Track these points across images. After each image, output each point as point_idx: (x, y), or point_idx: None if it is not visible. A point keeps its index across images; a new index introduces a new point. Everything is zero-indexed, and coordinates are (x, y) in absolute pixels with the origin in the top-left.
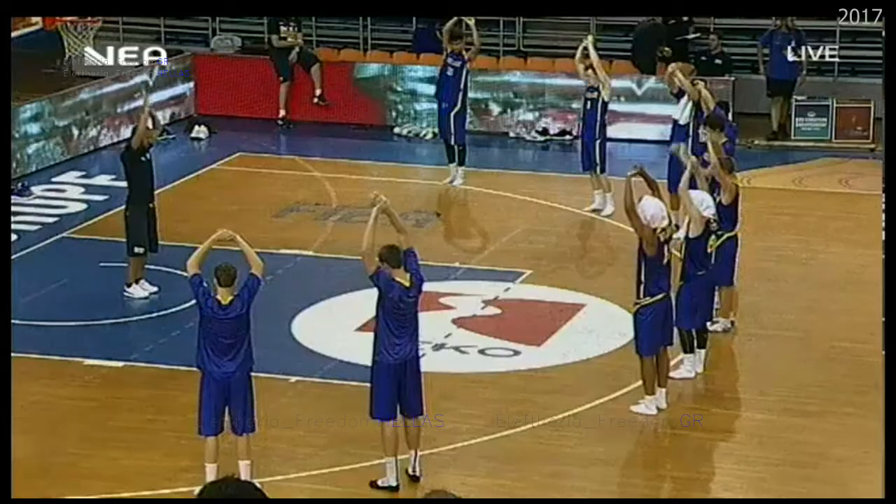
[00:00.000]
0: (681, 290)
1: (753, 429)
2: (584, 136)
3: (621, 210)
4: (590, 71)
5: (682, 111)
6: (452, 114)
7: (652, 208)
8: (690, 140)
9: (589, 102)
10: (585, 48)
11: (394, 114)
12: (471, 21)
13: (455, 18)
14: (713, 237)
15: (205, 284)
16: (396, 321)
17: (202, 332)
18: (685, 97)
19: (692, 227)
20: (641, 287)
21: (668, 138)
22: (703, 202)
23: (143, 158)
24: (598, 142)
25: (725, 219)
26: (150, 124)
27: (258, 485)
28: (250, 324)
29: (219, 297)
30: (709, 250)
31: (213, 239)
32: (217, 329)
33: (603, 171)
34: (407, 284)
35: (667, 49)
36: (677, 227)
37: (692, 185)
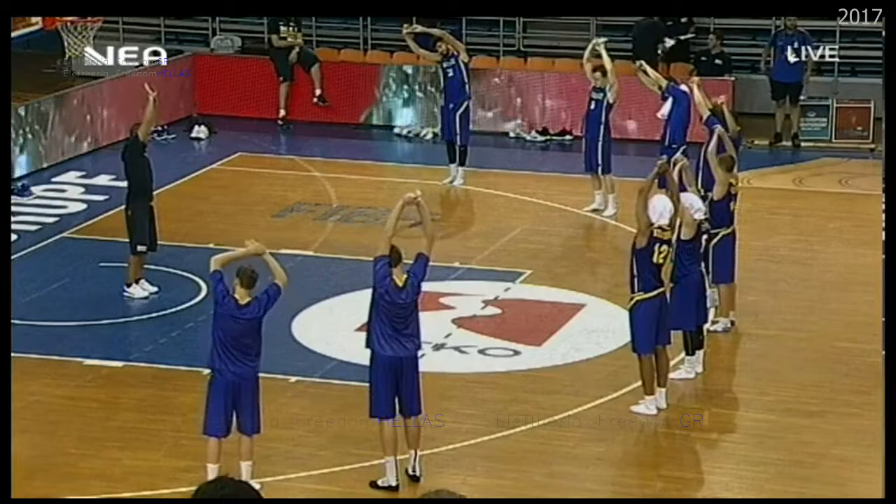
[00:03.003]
0: (673, 292)
1: (753, 429)
2: (587, 136)
3: (622, 210)
4: (597, 73)
5: (667, 108)
6: (458, 114)
7: (658, 204)
8: (668, 132)
9: (594, 103)
10: (595, 49)
11: (393, 114)
12: (433, 31)
13: (410, 39)
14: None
15: (224, 282)
16: (388, 316)
17: (215, 331)
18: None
19: (684, 231)
20: (635, 280)
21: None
22: (692, 206)
23: (144, 154)
24: (600, 142)
25: (717, 215)
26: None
27: (257, 485)
28: (262, 330)
29: (237, 296)
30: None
31: (248, 252)
32: (230, 328)
33: (606, 171)
34: (399, 284)
35: (666, 48)
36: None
37: (682, 188)
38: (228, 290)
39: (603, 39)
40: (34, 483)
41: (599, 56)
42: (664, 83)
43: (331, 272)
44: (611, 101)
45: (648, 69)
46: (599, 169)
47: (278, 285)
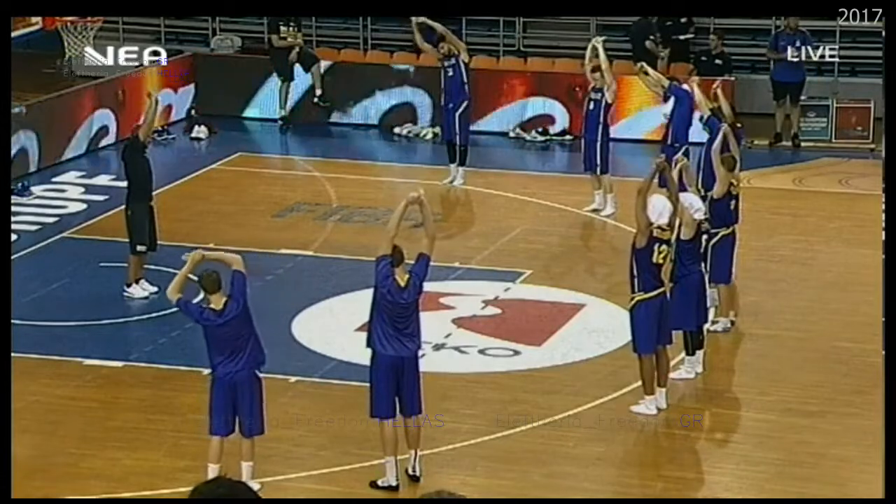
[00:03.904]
0: (673, 292)
1: (753, 429)
2: (585, 136)
3: (621, 210)
4: (597, 74)
5: (669, 107)
6: (458, 113)
7: (657, 204)
8: (671, 131)
9: (592, 103)
10: (595, 48)
11: (393, 113)
12: (437, 26)
13: (416, 32)
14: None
15: (192, 302)
16: (389, 316)
17: (207, 340)
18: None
19: (683, 230)
20: (635, 281)
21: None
22: (692, 205)
23: (145, 154)
24: (599, 142)
25: (716, 214)
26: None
27: (256, 485)
28: (252, 320)
29: (212, 305)
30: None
31: (188, 267)
32: (221, 335)
33: (605, 171)
34: (402, 284)
35: (666, 49)
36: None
37: (682, 187)
38: (201, 306)
39: (601, 38)
40: (34, 483)
41: (598, 56)
42: (666, 83)
43: (331, 272)
44: (609, 101)
45: (650, 70)
46: (598, 169)
47: (238, 270)
